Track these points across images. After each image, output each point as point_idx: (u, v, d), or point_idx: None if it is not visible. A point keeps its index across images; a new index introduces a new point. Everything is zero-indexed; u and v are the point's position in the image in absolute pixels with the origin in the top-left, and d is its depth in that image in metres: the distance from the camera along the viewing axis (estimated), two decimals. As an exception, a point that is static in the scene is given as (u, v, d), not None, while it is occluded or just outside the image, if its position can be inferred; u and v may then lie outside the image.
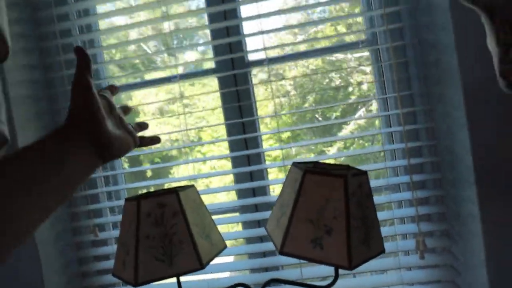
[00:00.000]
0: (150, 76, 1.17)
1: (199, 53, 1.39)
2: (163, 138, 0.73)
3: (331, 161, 1.16)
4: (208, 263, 0.68)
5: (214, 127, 1.03)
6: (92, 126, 0.44)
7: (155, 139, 0.62)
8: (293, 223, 0.61)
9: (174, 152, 1.39)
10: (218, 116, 1.08)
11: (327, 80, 1.52)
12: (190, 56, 1.43)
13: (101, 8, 1.15)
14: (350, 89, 1.51)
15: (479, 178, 0.76)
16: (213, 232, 0.74)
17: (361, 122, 1.54)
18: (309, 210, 0.60)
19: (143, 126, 0.63)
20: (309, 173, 0.62)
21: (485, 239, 0.76)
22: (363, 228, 0.60)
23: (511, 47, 0.58)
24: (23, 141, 0.93)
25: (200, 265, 0.65)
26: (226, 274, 1.01)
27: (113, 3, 1.02)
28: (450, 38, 0.76)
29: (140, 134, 0.61)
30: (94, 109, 0.45)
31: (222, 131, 1.15)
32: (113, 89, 0.58)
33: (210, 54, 1.05)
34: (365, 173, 0.64)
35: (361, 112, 1.88)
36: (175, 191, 0.69)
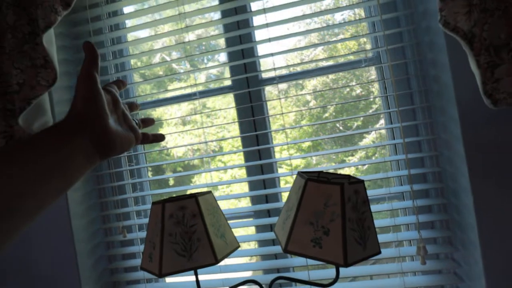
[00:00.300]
0: (172, 86, 1.28)
1: (218, 62, 1.50)
2: (185, 148, 0.82)
3: (349, 170, 1.23)
4: (222, 259, 0.77)
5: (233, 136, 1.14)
6: (94, 123, 0.44)
7: (158, 137, 0.61)
8: (296, 225, 0.69)
9: (195, 161, 1.49)
10: (237, 125, 1.17)
11: (347, 90, 1.57)
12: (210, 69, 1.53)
13: (129, 23, 1.29)
14: (372, 98, 1.53)
15: (475, 188, 0.81)
16: (227, 232, 0.83)
17: (383, 131, 1.59)
18: (310, 214, 0.68)
19: (148, 122, 0.62)
20: (310, 181, 0.70)
21: (482, 248, 0.81)
22: (358, 230, 0.67)
23: (495, 68, 0.64)
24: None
25: (215, 260, 0.74)
26: (240, 274, 1.09)
27: (140, 18, 1.15)
28: (446, 57, 0.83)
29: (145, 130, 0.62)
30: (98, 106, 0.45)
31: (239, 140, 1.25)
32: (121, 84, 0.57)
33: (227, 72, 1.16)
34: (361, 181, 0.72)
35: (382, 121, 1.93)
36: (194, 196, 0.79)
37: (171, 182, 1.84)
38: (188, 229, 0.76)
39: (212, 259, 0.75)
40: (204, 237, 0.76)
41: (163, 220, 0.77)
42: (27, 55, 0.95)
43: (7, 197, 0.35)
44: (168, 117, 1.36)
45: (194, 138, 1.46)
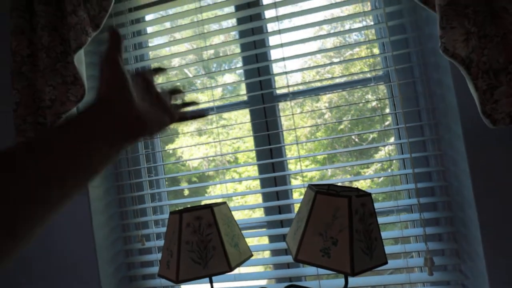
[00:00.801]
0: (190, 98, 1.35)
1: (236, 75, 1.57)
2: (200, 159, 0.87)
3: (364, 182, 1.26)
4: (236, 267, 0.82)
5: (249, 148, 1.19)
6: (120, 106, 0.43)
7: (199, 113, 0.60)
8: (306, 235, 0.74)
9: (211, 172, 1.54)
10: (247, 135, 1.23)
11: (363, 101, 1.60)
12: (228, 79, 1.58)
13: (152, 42, 1.38)
14: (387, 110, 1.54)
15: (479, 203, 0.84)
16: (241, 241, 0.88)
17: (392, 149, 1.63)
18: (319, 225, 0.73)
19: (177, 91, 0.59)
20: (319, 194, 0.75)
21: (487, 261, 0.84)
22: (365, 241, 0.71)
23: (494, 90, 0.68)
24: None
25: (229, 268, 0.79)
26: (254, 283, 1.14)
27: (162, 36, 1.23)
28: (450, 78, 0.87)
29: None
30: (124, 88, 0.44)
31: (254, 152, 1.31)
32: (159, 71, 0.56)
33: (243, 86, 1.23)
34: (369, 194, 0.76)
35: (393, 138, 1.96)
36: (210, 206, 0.84)
37: (186, 192, 1.89)
38: (204, 238, 0.82)
39: (226, 267, 0.80)
40: (219, 246, 0.81)
41: (181, 229, 0.82)
42: (59, 73, 1.04)
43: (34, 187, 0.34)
44: (184, 128, 1.43)
45: (210, 148, 1.51)
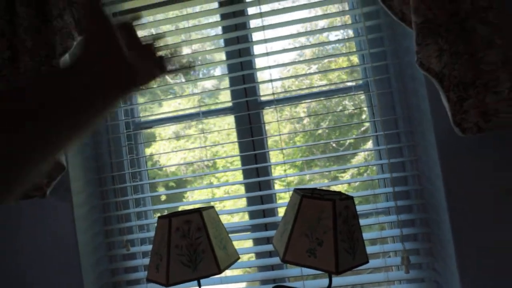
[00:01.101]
0: (168, 103, 1.35)
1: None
2: (177, 163, 0.89)
3: (341, 186, 1.32)
4: (224, 269, 0.84)
5: (227, 152, 1.22)
6: (109, 60, 0.42)
7: (187, 64, 0.57)
8: (292, 237, 0.77)
9: (189, 178, 1.53)
10: (232, 141, 1.26)
11: (340, 107, 1.64)
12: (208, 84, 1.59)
13: None
14: (363, 116, 1.58)
15: (451, 206, 0.91)
16: (228, 244, 0.91)
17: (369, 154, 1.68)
18: (305, 227, 0.77)
19: (159, 38, 0.55)
20: (305, 198, 0.79)
21: (457, 259, 0.90)
22: (348, 241, 0.76)
23: (464, 102, 0.75)
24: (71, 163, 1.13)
25: (218, 270, 0.82)
26: (239, 286, 1.16)
27: None
28: (424, 89, 0.94)
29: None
30: (109, 36, 0.42)
31: (235, 157, 1.34)
32: (137, 18, 0.53)
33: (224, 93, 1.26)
34: (351, 198, 0.81)
35: (371, 141, 2.04)
36: (199, 210, 0.86)
37: (163, 198, 1.88)
38: (194, 241, 0.84)
39: (216, 270, 0.82)
40: (208, 249, 0.83)
41: (170, 233, 0.84)
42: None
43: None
44: (162, 131, 1.45)
45: (188, 153, 1.52)
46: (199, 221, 0.85)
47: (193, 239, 0.84)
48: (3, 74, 1.05)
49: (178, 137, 1.27)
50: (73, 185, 1.12)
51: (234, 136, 1.24)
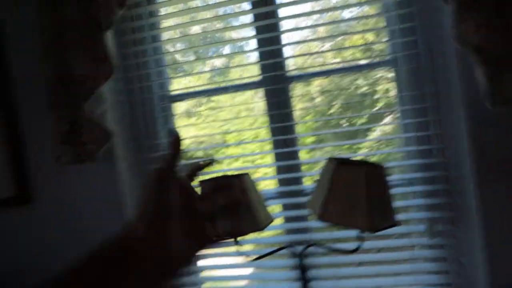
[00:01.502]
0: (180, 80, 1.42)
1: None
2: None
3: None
4: (265, 227, 0.91)
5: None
6: (155, 247, 0.38)
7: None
8: (328, 200, 0.84)
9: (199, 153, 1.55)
10: (243, 120, 1.33)
11: (354, 87, 1.66)
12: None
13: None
14: (376, 96, 1.60)
15: (478, 175, 0.96)
16: (265, 206, 0.97)
17: (387, 128, 1.71)
18: (340, 191, 0.83)
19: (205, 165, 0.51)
20: (340, 164, 0.84)
21: (480, 228, 0.96)
22: (379, 205, 0.82)
23: (501, 75, 0.79)
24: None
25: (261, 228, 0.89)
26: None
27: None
28: (454, 64, 0.97)
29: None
30: (164, 218, 0.38)
31: (247, 134, 1.46)
32: (201, 167, 0.49)
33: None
34: (382, 166, 0.86)
35: (388, 119, 2.06)
36: (246, 174, 0.92)
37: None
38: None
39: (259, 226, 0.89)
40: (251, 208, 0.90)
41: None
42: (89, 50, 1.09)
43: None
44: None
45: (200, 130, 1.55)
46: (248, 182, 0.91)
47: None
48: (52, 48, 1.10)
49: (213, 108, 1.32)
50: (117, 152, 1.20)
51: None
